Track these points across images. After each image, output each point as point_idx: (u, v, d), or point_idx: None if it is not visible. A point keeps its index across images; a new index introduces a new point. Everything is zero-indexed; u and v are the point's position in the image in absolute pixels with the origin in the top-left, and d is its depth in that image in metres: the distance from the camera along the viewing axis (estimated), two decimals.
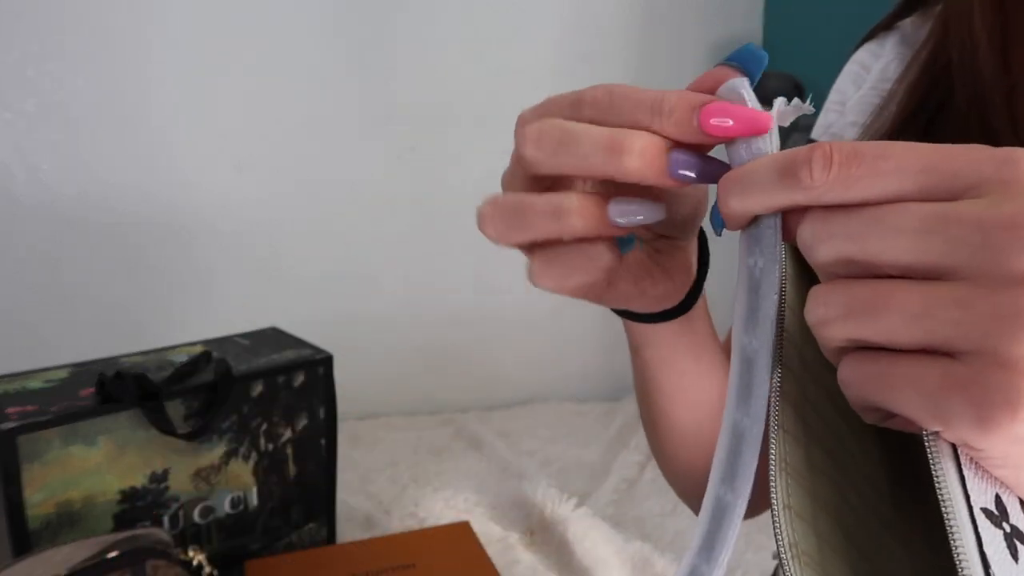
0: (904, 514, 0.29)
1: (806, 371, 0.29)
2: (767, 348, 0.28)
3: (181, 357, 0.89)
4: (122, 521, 0.81)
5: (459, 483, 1.22)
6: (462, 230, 1.52)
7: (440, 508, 1.15)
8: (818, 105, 0.63)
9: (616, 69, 1.56)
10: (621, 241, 0.33)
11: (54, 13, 1.24)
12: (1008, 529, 0.23)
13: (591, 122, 0.29)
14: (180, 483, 0.84)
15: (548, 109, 0.32)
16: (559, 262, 0.32)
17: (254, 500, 0.90)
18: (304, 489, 0.94)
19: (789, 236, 0.26)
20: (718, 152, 0.29)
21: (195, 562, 0.74)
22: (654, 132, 0.28)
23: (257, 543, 0.91)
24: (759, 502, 0.35)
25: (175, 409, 0.83)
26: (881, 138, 0.49)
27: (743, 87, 0.27)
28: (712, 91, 0.28)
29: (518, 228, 0.31)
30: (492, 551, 0.91)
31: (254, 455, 0.89)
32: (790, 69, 1.32)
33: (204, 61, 1.33)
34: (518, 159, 0.32)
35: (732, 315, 0.29)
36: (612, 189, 0.32)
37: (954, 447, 0.24)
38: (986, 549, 0.22)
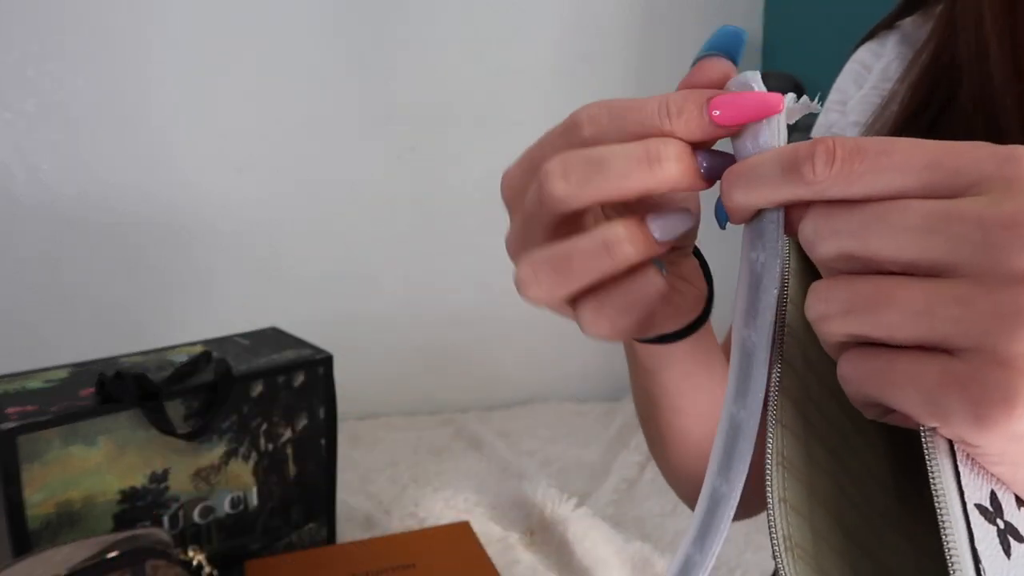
0: (909, 507, 0.29)
1: (809, 369, 0.29)
2: (766, 342, 0.28)
3: (181, 357, 0.89)
4: (122, 521, 0.81)
5: (459, 483, 1.22)
6: (462, 230, 1.53)
7: (440, 508, 1.15)
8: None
9: (616, 69, 1.56)
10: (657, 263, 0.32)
11: (54, 13, 1.24)
12: (1002, 525, 0.24)
13: (589, 144, 0.28)
14: (180, 483, 0.84)
15: (541, 149, 0.30)
16: (612, 304, 0.30)
17: (254, 500, 0.90)
18: (304, 489, 0.94)
19: (792, 231, 0.26)
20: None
21: (195, 562, 0.74)
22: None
23: (257, 543, 0.91)
24: (756, 500, 0.35)
25: (175, 409, 0.83)
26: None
27: (754, 80, 0.27)
28: (704, 87, 0.28)
29: (567, 278, 0.29)
30: (492, 551, 0.91)
31: (254, 455, 0.89)
32: (790, 69, 1.32)
33: (204, 61, 1.33)
34: (538, 204, 0.29)
35: (733, 309, 0.29)
36: (615, 214, 0.31)
37: (951, 443, 0.24)
38: (978, 545, 0.22)
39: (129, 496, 0.81)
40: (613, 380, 1.63)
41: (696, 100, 0.27)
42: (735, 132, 0.28)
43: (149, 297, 1.37)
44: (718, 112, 0.27)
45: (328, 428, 0.94)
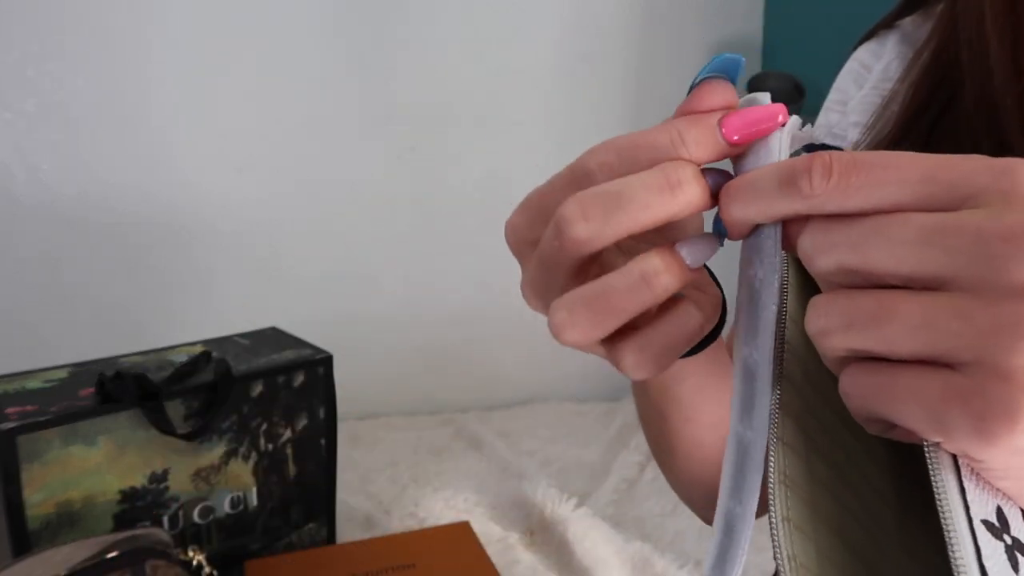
0: (911, 522, 0.29)
1: (808, 383, 0.29)
2: (768, 360, 0.28)
3: (181, 357, 0.89)
4: (122, 521, 0.80)
5: (459, 483, 1.22)
6: (462, 230, 1.53)
7: (440, 508, 1.15)
8: (818, 105, 0.63)
9: (616, 69, 1.56)
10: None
11: (54, 13, 1.24)
12: (1009, 541, 0.23)
13: None
14: (180, 483, 0.84)
15: (547, 194, 0.30)
16: (655, 345, 0.29)
17: (254, 500, 0.90)
18: (304, 489, 0.94)
19: (790, 246, 0.26)
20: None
21: (195, 562, 0.74)
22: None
23: (257, 543, 0.91)
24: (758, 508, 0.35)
25: (175, 409, 0.83)
26: (885, 138, 0.48)
27: (766, 100, 0.28)
28: (706, 110, 0.28)
29: (606, 317, 0.28)
30: (492, 551, 0.91)
31: (254, 455, 0.89)
32: (790, 69, 1.32)
33: (204, 61, 1.33)
34: (559, 249, 0.28)
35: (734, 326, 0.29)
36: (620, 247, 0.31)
37: (955, 458, 0.24)
38: (985, 562, 0.22)
39: (129, 496, 0.81)
40: (613, 380, 1.63)
41: (706, 124, 0.27)
42: (745, 151, 0.28)
43: (149, 297, 1.37)
44: (731, 131, 0.27)
45: (328, 428, 0.94)
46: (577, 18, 1.52)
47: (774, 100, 0.28)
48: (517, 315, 1.62)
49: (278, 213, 1.43)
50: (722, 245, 0.29)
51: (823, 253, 0.24)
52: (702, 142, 0.27)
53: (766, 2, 1.62)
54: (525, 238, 0.31)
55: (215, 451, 0.86)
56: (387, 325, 1.51)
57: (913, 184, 0.23)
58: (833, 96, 0.60)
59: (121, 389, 0.79)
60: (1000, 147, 0.43)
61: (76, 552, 0.65)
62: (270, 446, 0.90)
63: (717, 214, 0.28)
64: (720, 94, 0.28)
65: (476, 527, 0.95)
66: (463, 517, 1.10)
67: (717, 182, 0.28)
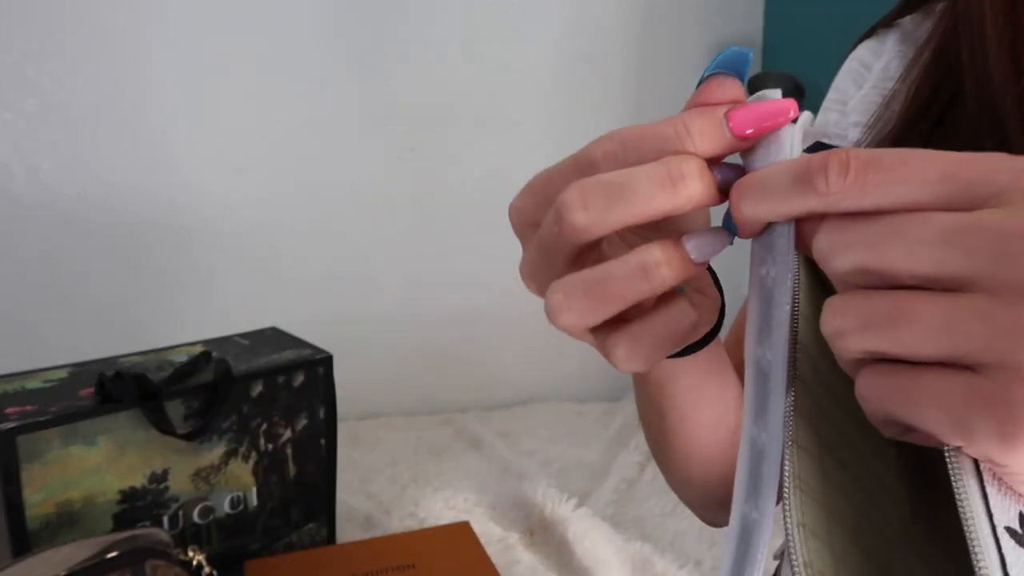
0: (924, 523, 0.29)
1: (819, 382, 0.28)
2: (782, 360, 0.27)
3: (181, 357, 0.89)
4: (122, 521, 0.80)
5: (459, 483, 1.22)
6: (462, 230, 1.53)
7: (440, 508, 1.15)
8: (818, 105, 0.63)
9: (616, 69, 1.56)
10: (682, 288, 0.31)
11: (54, 13, 1.24)
12: None
13: None
14: (180, 483, 0.84)
15: (550, 182, 0.29)
16: (647, 339, 0.29)
17: (254, 500, 0.90)
18: (304, 489, 0.94)
19: (803, 245, 0.26)
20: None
21: (195, 562, 0.74)
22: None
23: (257, 543, 0.91)
24: None
25: (175, 409, 0.83)
26: (886, 137, 0.48)
27: (776, 96, 0.27)
28: (713, 105, 0.28)
29: (602, 304, 0.28)
30: (492, 551, 0.91)
31: (254, 455, 0.89)
32: (790, 69, 1.32)
33: (204, 61, 1.33)
34: (558, 235, 0.28)
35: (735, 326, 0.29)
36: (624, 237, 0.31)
37: (976, 463, 0.23)
38: (1010, 570, 0.22)
39: (129, 496, 0.81)
40: (613, 380, 1.63)
41: (712, 117, 0.27)
42: (752, 144, 0.27)
43: (149, 297, 1.37)
44: (738, 124, 0.27)
45: (328, 428, 0.94)
46: (577, 18, 1.52)
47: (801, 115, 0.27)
48: (517, 315, 1.62)
49: (278, 213, 1.43)
50: (731, 243, 0.29)
51: (839, 253, 0.24)
52: (708, 135, 0.27)
53: (766, 2, 1.62)
54: (528, 220, 0.31)
55: (215, 451, 0.86)
56: (387, 325, 1.51)
57: (932, 182, 0.23)
58: (832, 96, 0.60)
59: (121, 389, 0.79)
60: (1001, 147, 0.43)
61: (76, 552, 0.65)
62: (270, 446, 0.90)
63: (728, 211, 0.28)
64: (727, 89, 0.28)
65: (476, 527, 0.95)
66: (463, 517, 1.10)
67: (727, 177, 0.27)
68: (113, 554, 0.65)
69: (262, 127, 1.39)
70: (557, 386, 1.63)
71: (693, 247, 0.28)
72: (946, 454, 0.23)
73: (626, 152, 0.28)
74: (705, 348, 0.41)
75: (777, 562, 0.60)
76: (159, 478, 0.83)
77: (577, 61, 1.53)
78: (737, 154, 0.28)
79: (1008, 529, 0.23)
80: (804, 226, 0.26)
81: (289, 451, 0.92)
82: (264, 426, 0.89)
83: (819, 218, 0.25)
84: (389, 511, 1.15)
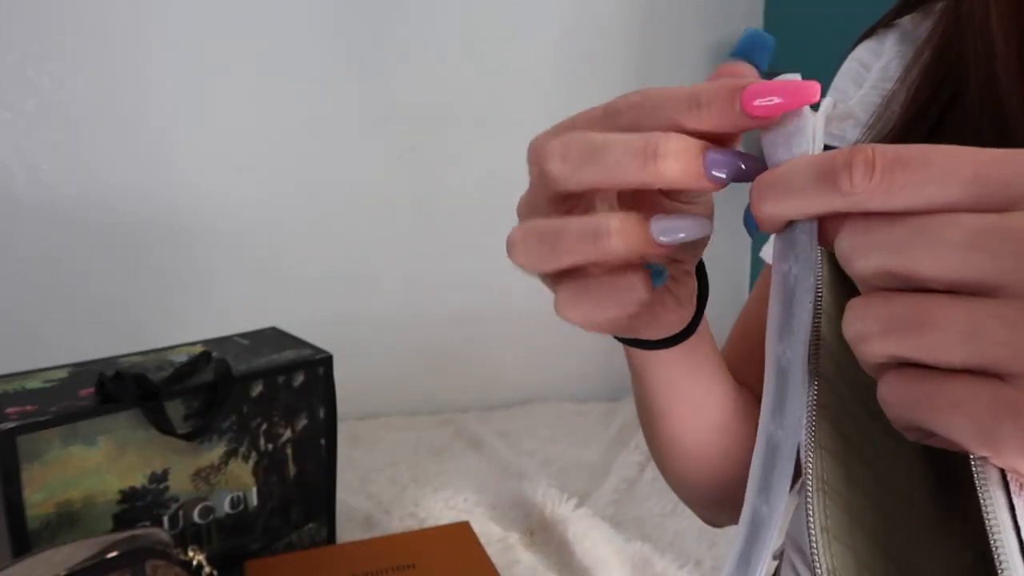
0: (950, 521, 0.28)
1: (842, 379, 0.28)
2: (802, 358, 0.27)
3: (181, 357, 0.89)
4: (122, 521, 0.80)
5: (459, 483, 1.22)
6: (462, 230, 1.53)
7: (440, 508, 1.15)
8: (818, 105, 0.63)
9: (616, 69, 1.56)
10: (654, 272, 0.31)
11: (54, 13, 1.24)
12: None
13: (627, 130, 0.28)
14: (180, 483, 0.84)
15: (573, 125, 0.30)
16: (589, 295, 0.30)
17: (254, 500, 0.90)
18: (304, 489, 0.94)
19: (826, 242, 0.25)
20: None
21: (195, 562, 0.74)
22: (693, 129, 0.27)
23: (257, 543, 0.91)
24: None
25: (175, 409, 0.83)
26: (886, 137, 0.48)
27: (795, 78, 0.26)
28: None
29: (552, 254, 0.29)
30: (492, 551, 0.91)
31: (254, 455, 0.89)
32: (790, 69, 1.32)
33: (204, 61, 1.33)
34: (539, 177, 0.29)
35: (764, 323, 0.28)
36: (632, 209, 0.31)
37: (1003, 473, 0.23)
38: None
39: (129, 496, 0.81)
40: (613, 380, 1.63)
41: (728, 88, 0.26)
42: (766, 125, 0.26)
43: (149, 297, 1.37)
44: (757, 102, 0.26)
45: (328, 428, 0.94)
46: (577, 18, 1.52)
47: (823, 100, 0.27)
48: (517, 315, 1.62)
49: (278, 213, 1.43)
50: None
51: (862, 255, 0.23)
52: (717, 106, 0.26)
53: (766, 2, 1.62)
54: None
55: (215, 451, 0.86)
56: (387, 325, 1.51)
57: (962, 183, 0.22)
58: (831, 96, 0.60)
59: (121, 389, 0.79)
60: (1002, 147, 0.43)
61: (76, 552, 0.65)
62: (270, 446, 0.90)
63: (748, 206, 0.27)
64: (743, 69, 0.27)
65: (476, 527, 0.95)
66: (463, 517, 1.10)
67: (729, 165, 0.27)
68: (113, 554, 0.65)
69: (262, 127, 1.39)
70: (557, 386, 1.63)
71: (659, 228, 0.28)
72: (972, 464, 0.23)
73: (645, 105, 0.28)
74: (681, 350, 0.41)
75: (776, 562, 0.60)
76: (159, 478, 0.83)
77: (577, 61, 1.53)
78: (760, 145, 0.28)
79: None
80: (827, 223, 0.25)
81: (289, 451, 0.92)
82: (264, 426, 0.89)
83: (842, 215, 0.24)
84: (389, 511, 1.15)
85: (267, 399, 0.89)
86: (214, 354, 0.90)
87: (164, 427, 0.81)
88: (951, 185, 0.22)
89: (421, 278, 1.53)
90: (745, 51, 0.30)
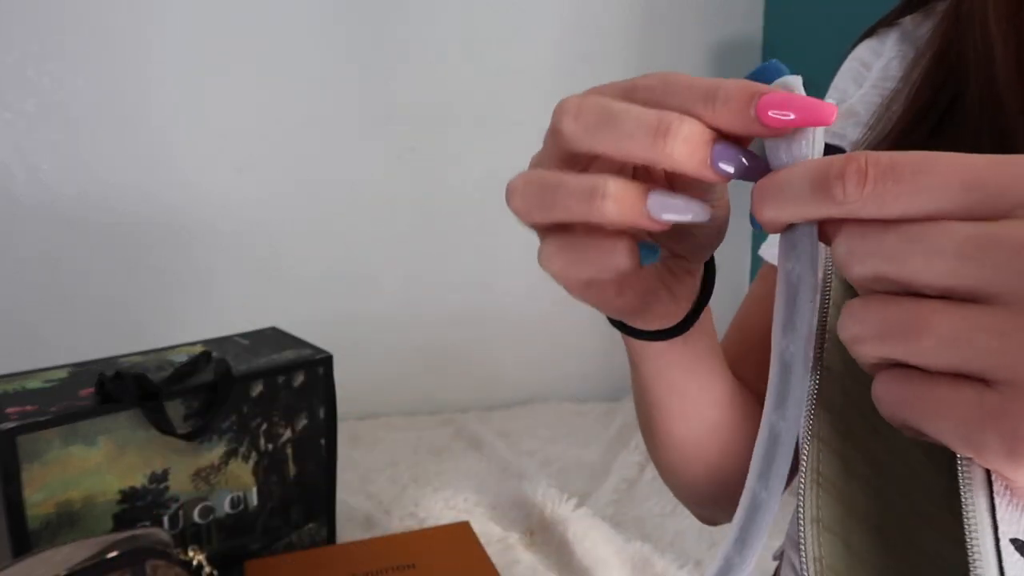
0: (952, 509, 0.29)
1: (848, 372, 0.28)
2: (803, 353, 0.27)
3: (181, 357, 0.89)
4: (122, 521, 0.80)
5: (459, 483, 1.22)
6: (462, 230, 1.53)
7: (440, 508, 1.15)
8: None
9: (616, 69, 1.56)
10: (645, 249, 0.31)
11: (54, 13, 1.24)
12: None
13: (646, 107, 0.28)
14: (180, 483, 0.84)
15: (599, 91, 0.30)
16: (573, 249, 0.30)
17: (254, 500, 0.90)
18: (304, 489, 0.94)
19: (827, 242, 0.26)
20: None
21: (195, 562, 0.74)
22: (704, 121, 0.27)
23: (257, 543, 0.91)
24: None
25: (175, 409, 0.83)
26: (886, 138, 0.48)
27: (797, 86, 0.27)
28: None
29: (546, 205, 0.29)
30: (492, 551, 0.91)
31: (254, 455, 0.89)
32: (790, 69, 1.32)
33: (204, 61, 1.33)
34: (552, 134, 0.30)
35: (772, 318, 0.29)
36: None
37: (988, 472, 0.23)
38: None
39: (129, 496, 0.81)
40: (613, 380, 1.63)
41: (748, 91, 0.26)
42: (776, 136, 0.27)
43: (149, 297, 1.37)
44: (772, 112, 0.26)
45: (328, 428, 0.94)
46: (577, 18, 1.52)
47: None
48: (517, 315, 1.62)
49: (278, 213, 1.43)
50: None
51: (857, 261, 0.24)
52: (732, 105, 0.26)
53: (766, 2, 1.62)
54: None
55: (215, 451, 0.86)
56: (387, 325, 1.51)
57: (955, 191, 0.22)
58: (831, 95, 0.60)
59: (121, 389, 0.79)
60: (1003, 150, 0.43)
61: (76, 552, 0.65)
62: (270, 446, 0.90)
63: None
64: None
65: (476, 527, 0.95)
66: (463, 517, 1.10)
67: (734, 161, 0.27)
68: (113, 554, 0.65)
69: (262, 127, 1.39)
70: (557, 386, 1.63)
71: (656, 202, 0.28)
72: (959, 463, 0.23)
73: (664, 88, 0.28)
74: (689, 343, 0.41)
75: (776, 563, 0.60)
76: (159, 478, 0.83)
77: (577, 61, 1.53)
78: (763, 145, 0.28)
79: (1013, 540, 0.23)
80: (827, 225, 0.25)
81: (289, 451, 0.92)
82: (264, 426, 0.89)
83: (840, 219, 0.24)
84: (389, 511, 1.15)
85: (267, 399, 0.89)
86: (214, 354, 0.90)
87: (164, 427, 0.81)
88: (943, 195, 0.22)
89: (421, 278, 1.53)
90: (762, 79, 0.30)
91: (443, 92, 1.47)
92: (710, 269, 0.39)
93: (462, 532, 0.93)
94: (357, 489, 1.19)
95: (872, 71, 0.56)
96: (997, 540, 0.23)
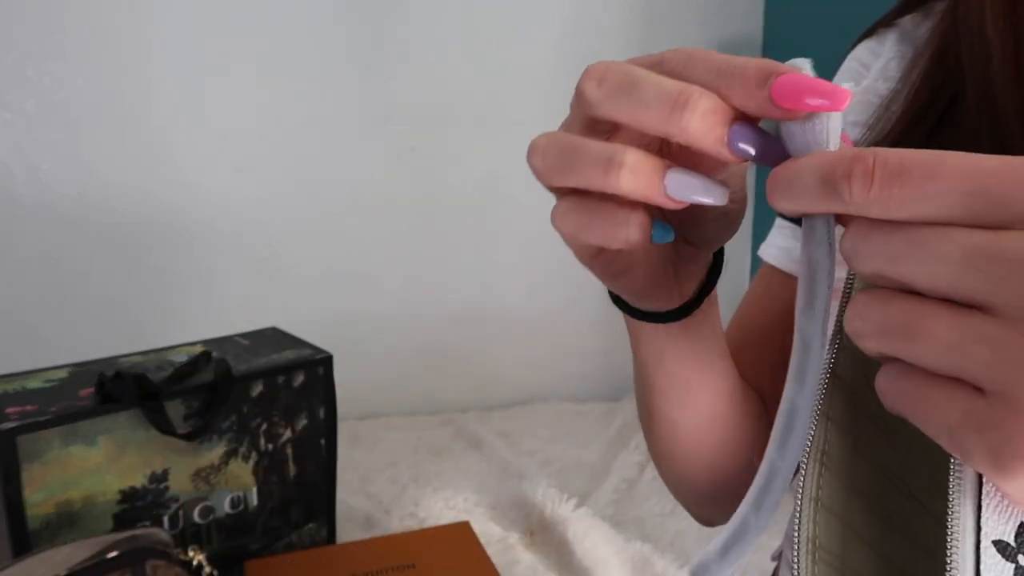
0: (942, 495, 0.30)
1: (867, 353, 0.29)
2: (820, 332, 0.29)
3: (181, 357, 0.89)
4: (122, 521, 0.81)
5: (459, 483, 1.22)
6: (462, 230, 1.53)
7: (440, 508, 1.15)
8: None
9: None
10: (659, 228, 0.31)
11: (54, 13, 1.24)
12: (1022, 562, 0.23)
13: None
14: (180, 483, 0.84)
15: (631, 63, 0.30)
16: (585, 211, 0.30)
17: (254, 500, 0.90)
18: (304, 489, 0.94)
19: (845, 225, 0.26)
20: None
21: (195, 562, 0.74)
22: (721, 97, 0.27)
23: (257, 543, 0.91)
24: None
25: (175, 409, 0.83)
26: (885, 139, 0.48)
27: (807, 67, 0.26)
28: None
29: (565, 169, 0.29)
30: (492, 551, 0.91)
31: (254, 455, 0.89)
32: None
33: (204, 61, 1.33)
34: (577, 97, 0.30)
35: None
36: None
37: (979, 473, 0.24)
38: None
39: (129, 496, 0.81)
40: (613, 380, 1.63)
41: (765, 70, 0.26)
42: (789, 118, 0.26)
43: (149, 297, 1.37)
44: (787, 92, 0.25)
45: (328, 428, 0.94)
46: (577, 18, 1.52)
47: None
48: (517, 315, 1.62)
49: (278, 213, 1.43)
50: (723, 203, 0.29)
51: (862, 259, 0.24)
52: (746, 85, 0.26)
53: (766, 2, 1.62)
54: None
55: (215, 451, 0.86)
56: (387, 325, 1.51)
57: (961, 197, 0.22)
58: None
59: (121, 389, 0.79)
60: (1002, 151, 0.43)
61: (76, 552, 0.65)
62: (270, 446, 0.90)
63: None
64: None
65: (476, 527, 0.95)
66: (463, 517, 1.10)
67: (752, 142, 0.27)
68: (113, 554, 0.65)
69: (262, 127, 1.39)
70: (557, 386, 1.63)
71: (673, 179, 0.28)
72: (951, 461, 0.24)
73: (687, 62, 0.28)
74: (688, 330, 0.41)
75: (775, 563, 0.60)
76: (159, 478, 0.83)
77: (577, 61, 1.51)
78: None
79: (997, 542, 0.23)
80: (841, 215, 0.25)
81: (289, 451, 0.92)
82: (264, 426, 0.89)
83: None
84: (389, 511, 1.15)
85: (267, 399, 0.89)
86: (214, 354, 0.90)
87: (164, 427, 0.81)
88: (950, 199, 0.22)
89: (421, 278, 1.53)
90: None
91: (443, 92, 1.47)
92: (718, 258, 0.39)
93: (462, 532, 0.93)
94: (357, 489, 1.19)
95: (871, 71, 0.56)
96: (978, 541, 0.23)
